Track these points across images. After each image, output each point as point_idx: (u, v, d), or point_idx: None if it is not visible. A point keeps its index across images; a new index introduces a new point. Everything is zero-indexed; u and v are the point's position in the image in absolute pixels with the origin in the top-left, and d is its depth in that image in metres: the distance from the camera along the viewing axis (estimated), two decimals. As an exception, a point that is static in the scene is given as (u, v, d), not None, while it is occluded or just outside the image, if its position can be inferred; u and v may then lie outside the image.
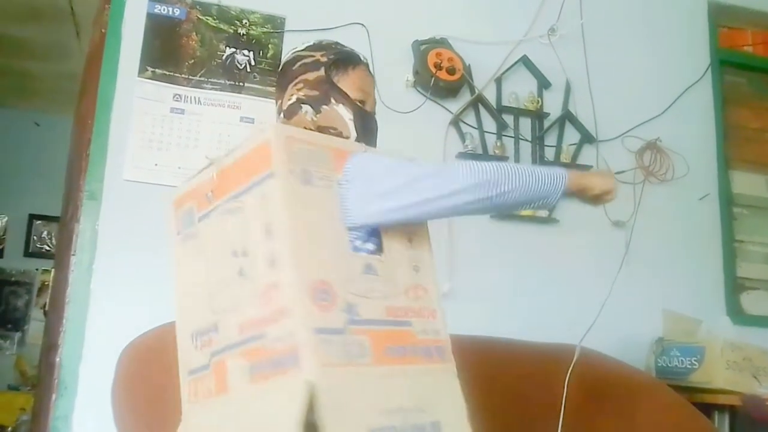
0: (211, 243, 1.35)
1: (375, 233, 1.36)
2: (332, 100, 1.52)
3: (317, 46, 1.59)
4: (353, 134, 1.52)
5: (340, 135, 1.50)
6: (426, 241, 1.44)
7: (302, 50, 1.59)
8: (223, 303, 1.30)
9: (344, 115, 1.52)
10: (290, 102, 1.55)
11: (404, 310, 1.34)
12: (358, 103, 1.54)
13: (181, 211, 1.42)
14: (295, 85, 1.55)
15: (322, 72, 1.54)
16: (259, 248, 1.23)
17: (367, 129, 1.55)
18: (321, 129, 1.50)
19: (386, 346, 1.27)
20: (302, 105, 1.53)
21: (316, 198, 1.27)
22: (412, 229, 1.40)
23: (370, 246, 1.35)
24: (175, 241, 1.43)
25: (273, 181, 1.22)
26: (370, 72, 1.62)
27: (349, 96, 1.53)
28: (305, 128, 1.46)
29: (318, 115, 1.52)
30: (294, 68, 1.57)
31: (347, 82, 1.54)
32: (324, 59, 1.55)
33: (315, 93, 1.53)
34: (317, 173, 1.28)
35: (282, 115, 1.58)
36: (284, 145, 1.24)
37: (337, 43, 1.62)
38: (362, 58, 1.61)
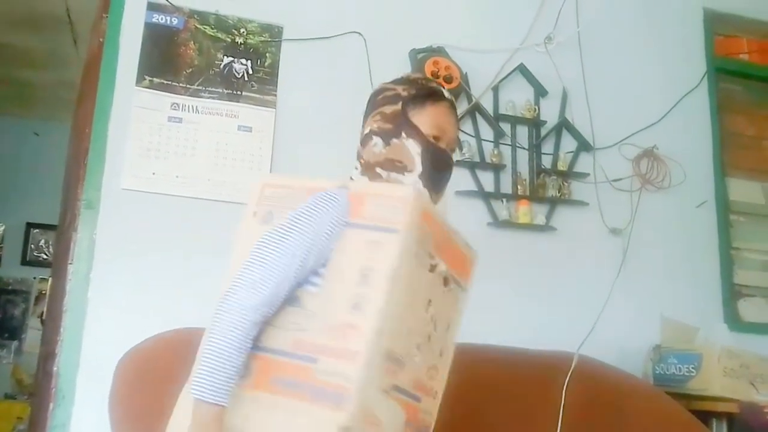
0: (422, 285, 1.41)
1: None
2: (403, 134, 1.53)
3: (402, 80, 1.63)
4: (418, 168, 1.52)
5: (404, 169, 1.52)
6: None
7: (389, 83, 1.63)
8: (413, 347, 1.37)
9: (412, 149, 1.53)
10: (365, 132, 1.59)
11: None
12: (431, 139, 1.54)
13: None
14: (374, 116, 1.59)
15: (399, 106, 1.56)
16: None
17: (436, 164, 1.55)
18: (388, 161, 1.53)
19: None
20: (374, 136, 1.56)
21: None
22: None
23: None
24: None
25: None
26: (453, 110, 1.62)
27: (420, 131, 1.54)
28: (374, 160, 1.55)
29: (386, 148, 1.54)
30: (376, 100, 1.61)
31: (422, 118, 1.55)
32: (404, 93, 1.58)
33: (388, 126, 1.55)
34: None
35: (360, 143, 1.61)
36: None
37: (425, 79, 1.66)
38: (446, 96, 1.62)
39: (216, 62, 2.63)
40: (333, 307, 1.32)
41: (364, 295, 1.30)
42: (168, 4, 2.60)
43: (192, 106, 2.56)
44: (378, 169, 1.54)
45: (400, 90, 1.59)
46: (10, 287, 5.87)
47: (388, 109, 1.57)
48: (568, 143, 3.00)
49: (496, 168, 2.87)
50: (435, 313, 1.43)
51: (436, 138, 1.55)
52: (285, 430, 1.27)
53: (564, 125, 2.99)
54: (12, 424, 4.98)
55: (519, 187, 2.89)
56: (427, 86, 1.62)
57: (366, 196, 1.39)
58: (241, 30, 2.67)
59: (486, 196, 2.83)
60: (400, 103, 1.56)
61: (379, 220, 1.34)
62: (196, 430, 1.24)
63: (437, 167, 1.55)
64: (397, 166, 1.52)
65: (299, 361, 1.29)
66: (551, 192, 2.92)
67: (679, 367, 2.61)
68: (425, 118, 1.55)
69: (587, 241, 2.92)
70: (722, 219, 3.21)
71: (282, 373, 1.30)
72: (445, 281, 1.47)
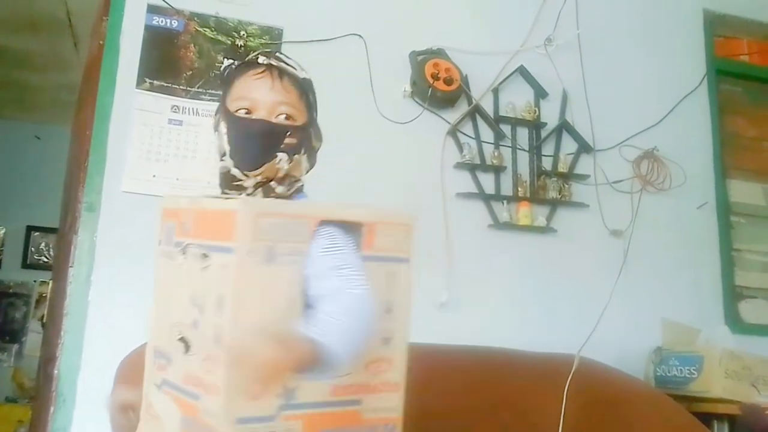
0: (181, 275, 1.27)
1: None
2: (220, 123, 1.42)
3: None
4: (227, 148, 1.38)
5: (222, 155, 1.40)
6: (405, 311, 1.31)
7: None
8: (175, 340, 1.26)
9: (222, 131, 1.40)
10: None
11: (355, 387, 1.23)
12: (241, 113, 1.38)
13: (166, 224, 1.34)
14: None
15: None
16: (210, 315, 1.17)
17: (242, 136, 1.38)
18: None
19: (320, 430, 1.19)
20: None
21: (277, 278, 1.17)
22: (390, 299, 1.28)
23: None
24: (156, 249, 1.36)
25: (232, 257, 1.15)
26: (267, 72, 1.41)
27: (227, 110, 1.40)
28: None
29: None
30: None
31: (229, 97, 1.42)
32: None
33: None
34: (284, 249, 1.17)
35: None
36: (251, 221, 1.14)
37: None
38: (259, 61, 1.43)
39: (216, 65, 2.63)
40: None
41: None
42: (168, 6, 2.60)
43: (192, 109, 2.57)
44: (219, 163, 1.42)
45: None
46: (10, 290, 5.87)
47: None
48: (569, 145, 3.00)
49: (497, 170, 2.87)
50: (198, 297, 1.23)
51: (248, 110, 1.37)
52: None
53: (564, 127, 2.99)
54: (13, 427, 4.98)
55: (519, 188, 2.88)
56: (239, 64, 1.48)
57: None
58: (241, 32, 2.67)
59: (486, 198, 2.83)
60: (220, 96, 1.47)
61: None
62: None
63: (244, 140, 1.37)
64: (219, 153, 1.41)
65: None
66: (552, 194, 2.92)
67: (681, 369, 2.61)
68: (232, 94, 1.41)
69: (588, 243, 2.92)
70: (723, 220, 3.21)
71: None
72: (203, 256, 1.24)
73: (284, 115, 1.39)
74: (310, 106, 1.47)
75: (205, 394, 1.16)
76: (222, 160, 1.40)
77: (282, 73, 1.42)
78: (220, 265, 1.17)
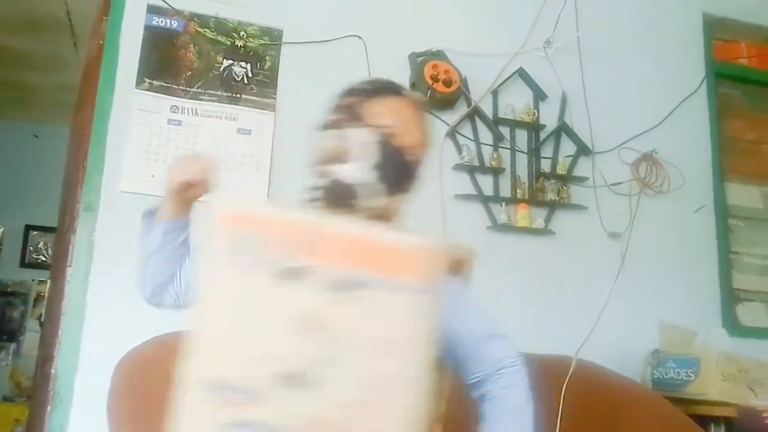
0: (278, 299, 1.10)
1: None
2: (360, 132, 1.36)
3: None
4: (372, 159, 1.33)
5: (352, 161, 1.34)
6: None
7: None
8: (272, 375, 1.08)
9: (365, 140, 1.34)
10: None
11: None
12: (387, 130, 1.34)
13: (237, 233, 1.11)
14: None
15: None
16: (362, 356, 1.07)
17: (392, 157, 1.33)
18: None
19: None
20: None
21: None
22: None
23: None
24: (213, 260, 1.12)
25: (413, 297, 1.07)
26: (411, 105, 1.40)
27: (373, 123, 1.36)
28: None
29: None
30: None
31: (375, 109, 1.37)
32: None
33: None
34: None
35: None
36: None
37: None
38: (404, 93, 1.42)
39: (216, 65, 2.63)
40: None
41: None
42: (168, 7, 2.60)
43: (191, 109, 2.57)
44: (320, 167, 1.36)
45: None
46: (8, 289, 5.86)
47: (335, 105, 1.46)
48: (567, 147, 3.00)
49: (495, 172, 2.87)
50: (331, 330, 1.09)
51: (392, 131, 1.35)
52: None
53: (563, 129, 2.99)
54: (10, 426, 4.98)
55: (518, 191, 2.89)
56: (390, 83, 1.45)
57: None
58: (241, 33, 2.68)
59: (485, 200, 2.83)
60: (347, 94, 1.45)
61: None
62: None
63: (389, 159, 1.33)
64: (336, 157, 1.33)
65: None
66: (550, 196, 2.92)
67: (678, 372, 2.61)
68: (378, 108, 1.38)
69: (586, 245, 2.92)
70: (721, 223, 3.21)
71: None
72: (340, 287, 1.11)
73: (416, 156, 1.36)
74: (425, 158, 1.41)
75: None
76: (354, 169, 1.30)
77: (426, 116, 1.41)
78: (387, 304, 1.07)
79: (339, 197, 1.27)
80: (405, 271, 1.08)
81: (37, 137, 5.82)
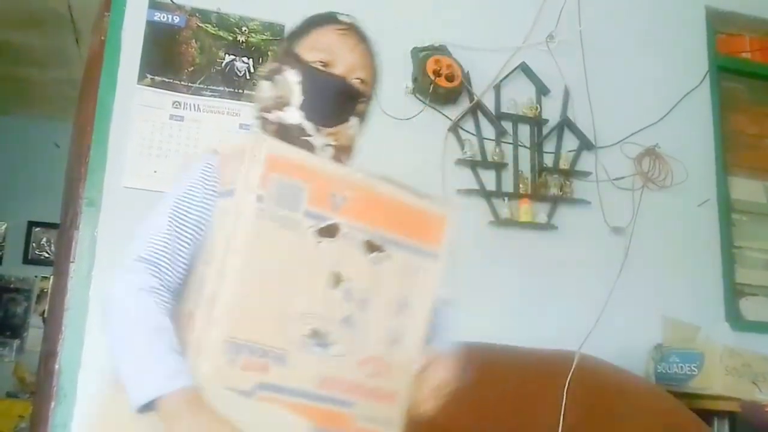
0: (313, 253, 1.07)
1: None
2: (283, 68, 1.32)
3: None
4: (297, 98, 1.29)
5: (284, 104, 1.30)
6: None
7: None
8: (300, 335, 1.05)
9: (291, 79, 1.30)
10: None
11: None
12: (317, 64, 1.30)
13: (279, 179, 1.05)
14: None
15: (284, 42, 1.40)
16: (382, 315, 1.11)
17: (318, 90, 1.29)
18: (272, 101, 1.33)
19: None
20: (261, 81, 1.39)
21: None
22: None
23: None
24: (251, 203, 1.04)
25: (437, 265, 1.17)
26: (350, 32, 1.39)
27: (300, 57, 1.31)
28: (261, 106, 1.34)
29: (272, 89, 1.34)
30: None
31: (305, 43, 1.34)
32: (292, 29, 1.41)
33: (274, 65, 1.37)
34: None
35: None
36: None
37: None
38: (340, 18, 1.41)
39: (218, 60, 2.63)
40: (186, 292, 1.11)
41: (207, 276, 1.05)
42: (170, 2, 2.60)
43: (194, 105, 2.56)
44: (264, 114, 1.34)
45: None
46: (11, 286, 5.87)
47: (278, 50, 1.43)
48: (570, 142, 2.99)
49: (498, 166, 2.87)
50: (357, 290, 1.09)
51: (325, 63, 1.30)
52: None
53: (566, 124, 2.99)
54: (14, 422, 4.99)
55: (521, 185, 2.88)
56: (317, 15, 1.42)
57: (224, 157, 1.18)
58: (243, 28, 2.67)
59: (487, 195, 2.83)
60: (285, 38, 1.41)
61: (229, 184, 1.09)
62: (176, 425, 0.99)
63: (320, 93, 1.29)
64: (278, 102, 1.30)
65: None
66: (553, 190, 2.91)
67: (681, 366, 2.61)
68: (307, 43, 1.33)
69: (589, 240, 2.92)
70: (724, 218, 3.21)
71: None
72: (371, 246, 1.11)
73: (359, 80, 1.33)
74: (375, 79, 1.40)
75: (367, 400, 1.09)
76: (282, 110, 1.29)
77: (363, 37, 1.39)
78: (410, 267, 1.13)
79: (284, 138, 1.22)
80: (427, 236, 1.14)
81: (58, 146, 5.61)
